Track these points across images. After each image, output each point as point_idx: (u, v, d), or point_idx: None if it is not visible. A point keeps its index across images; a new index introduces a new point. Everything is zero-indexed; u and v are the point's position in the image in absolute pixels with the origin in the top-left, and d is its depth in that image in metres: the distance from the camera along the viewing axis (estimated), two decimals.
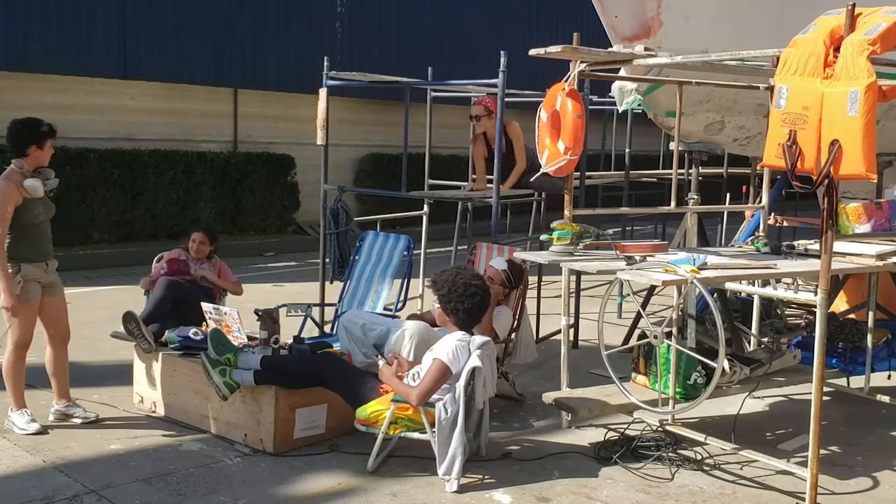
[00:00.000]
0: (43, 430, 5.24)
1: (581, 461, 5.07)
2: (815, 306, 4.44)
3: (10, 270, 5.07)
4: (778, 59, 4.21)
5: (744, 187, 11.52)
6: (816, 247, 5.21)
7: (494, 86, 7.30)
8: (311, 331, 6.55)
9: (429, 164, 9.94)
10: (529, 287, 6.34)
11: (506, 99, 7.26)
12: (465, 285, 4.89)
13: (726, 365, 5.07)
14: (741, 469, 5.00)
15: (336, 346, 5.76)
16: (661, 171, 13.46)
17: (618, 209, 7.64)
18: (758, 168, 5.53)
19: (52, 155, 5.33)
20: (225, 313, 5.86)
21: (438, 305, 4.95)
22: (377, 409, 4.75)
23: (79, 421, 5.44)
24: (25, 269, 5.14)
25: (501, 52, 6.66)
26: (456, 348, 4.74)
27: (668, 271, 4.57)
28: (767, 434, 5.69)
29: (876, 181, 4.26)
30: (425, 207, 8.67)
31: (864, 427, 5.88)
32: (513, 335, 6.01)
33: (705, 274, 4.65)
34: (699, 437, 5.13)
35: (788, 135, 4.06)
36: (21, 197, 5.10)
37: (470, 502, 4.49)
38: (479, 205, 10.10)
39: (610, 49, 5.73)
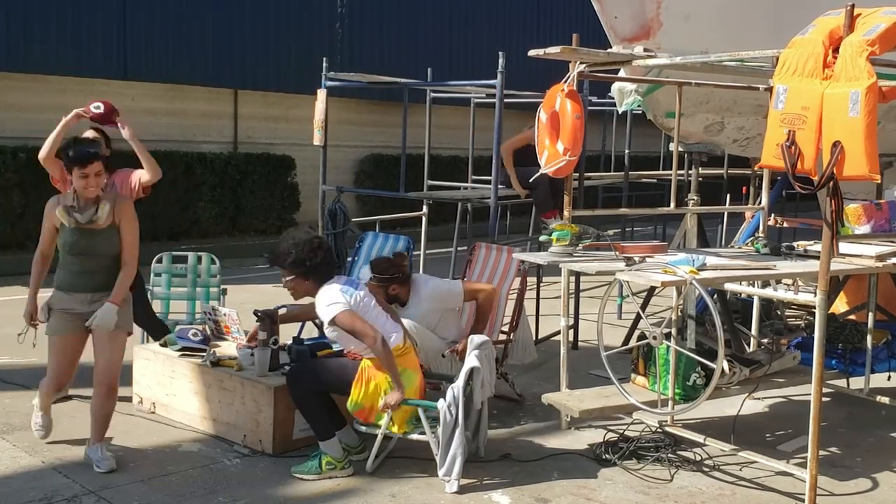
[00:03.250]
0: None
1: (580, 462, 5.07)
2: (814, 307, 4.43)
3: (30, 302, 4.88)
4: (777, 59, 4.21)
5: (744, 188, 11.53)
6: (816, 248, 5.21)
7: (493, 86, 7.30)
8: (310, 332, 6.55)
9: (428, 165, 9.95)
10: (529, 288, 6.33)
11: (505, 100, 7.26)
12: (307, 242, 4.78)
13: (726, 366, 5.07)
14: (740, 470, 4.99)
15: (336, 347, 5.74)
16: (660, 172, 13.47)
17: (617, 210, 7.63)
18: (755, 168, 5.53)
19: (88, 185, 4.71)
20: (224, 314, 5.86)
21: (290, 279, 4.79)
22: (358, 395, 4.72)
23: (100, 470, 4.72)
24: (54, 298, 4.80)
25: (500, 52, 6.66)
26: (340, 291, 4.69)
27: (667, 272, 4.57)
28: (767, 435, 5.69)
29: (879, 181, 4.26)
30: (424, 208, 8.67)
31: (864, 428, 5.87)
32: (512, 335, 6.03)
33: (704, 275, 4.65)
34: (698, 438, 5.13)
35: (787, 135, 4.06)
36: (56, 220, 4.78)
37: (469, 503, 4.48)
38: (478, 206, 10.10)
39: (609, 50, 5.73)
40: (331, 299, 4.68)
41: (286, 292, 4.94)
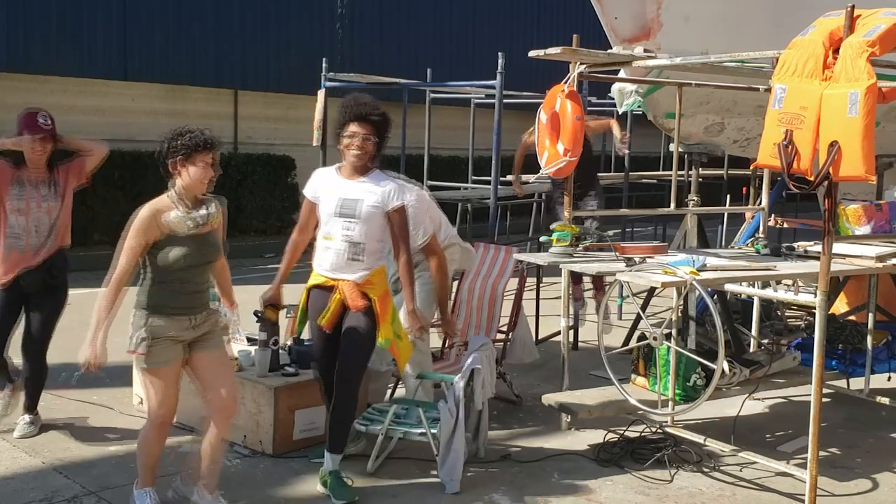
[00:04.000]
0: None
1: (580, 463, 5.07)
2: (814, 308, 4.43)
3: (136, 322, 4.00)
4: (777, 60, 4.21)
5: (744, 189, 11.53)
6: (816, 248, 5.21)
7: (493, 87, 7.31)
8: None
9: (428, 165, 9.96)
10: (529, 288, 6.34)
11: (505, 101, 7.27)
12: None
13: (726, 366, 5.07)
14: (740, 471, 4.99)
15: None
16: (661, 173, 13.48)
17: (618, 211, 7.64)
18: (750, 168, 5.54)
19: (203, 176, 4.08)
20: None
21: (371, 138, 4.57)
22: (383, 332, 4.51)
23: None
24: (154, 325, 3.97)
25: (499, 53, 6.66)
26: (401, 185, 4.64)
27: (667, 273, 4.57)
28: (767, 436, 5.69)
29: (875, 182, 4.26)
30: None
31: (864, 429, 5.87)
32: (509, 335, 6.03)
33: (705, 275, 4.65)
34: (699, 438, 5.13)
35: (784, 134, 4.05)
36: (159, 231, 3.97)
37: None
38: (478, 206, 10.12)
39: (610, 51, 5.73)
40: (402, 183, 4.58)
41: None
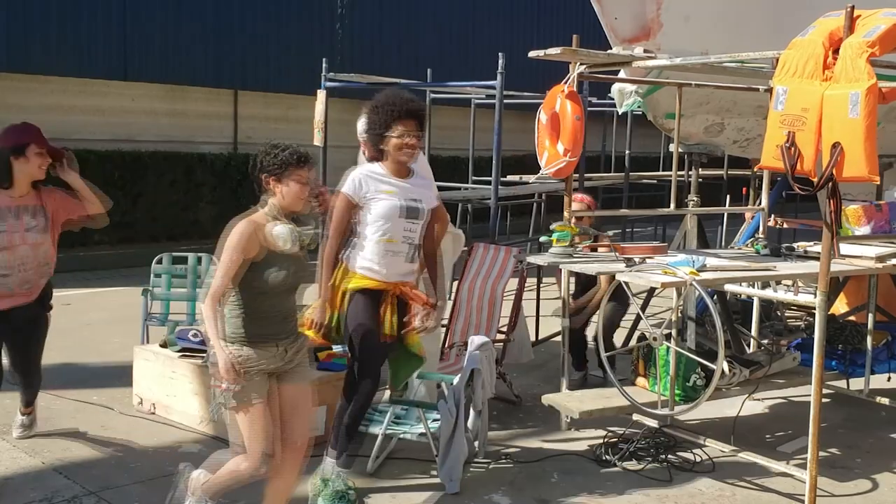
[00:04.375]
0: None
1: (580, 463, 5.07)
2: (814, 308, 4.43)
3: (227, 350, 3.60)
4: (777, 60, 4.21)
5: (744, 189, 11.54)
6: (816, 249, 5.21)
7: (493, 87, 7.31)
8: None
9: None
10: (529, 289, 6.34)
11: (505, 101, 7.26)
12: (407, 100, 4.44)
13: (726, 367, 5.07)
14: (740, 471, 4.99)
15: (336, 349, 5.74)
16: (660, 173, 13.49)
17: (618, 211, 7.63)
18: (755, 169, 5.54)
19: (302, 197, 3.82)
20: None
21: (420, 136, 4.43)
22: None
23: None
24: (245, 356, 3.63)
25: (500, 53, 6.66)
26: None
27: (667, 273, 4.57)
28: (767, 436, 5.69)
29: (879, 182, 4.25)
30: None
31: (864, 429, 5.88)
32: (510, 335, 6.04)
33: (704, 276, 4.66)
34: (698, 439, 5.12)
35: (787, 136, 4.06)
36: (260, 246, 3.66)
37: None
38: (478, 206, 10.11)
39: (609, 51, 5.74)
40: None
41: None
